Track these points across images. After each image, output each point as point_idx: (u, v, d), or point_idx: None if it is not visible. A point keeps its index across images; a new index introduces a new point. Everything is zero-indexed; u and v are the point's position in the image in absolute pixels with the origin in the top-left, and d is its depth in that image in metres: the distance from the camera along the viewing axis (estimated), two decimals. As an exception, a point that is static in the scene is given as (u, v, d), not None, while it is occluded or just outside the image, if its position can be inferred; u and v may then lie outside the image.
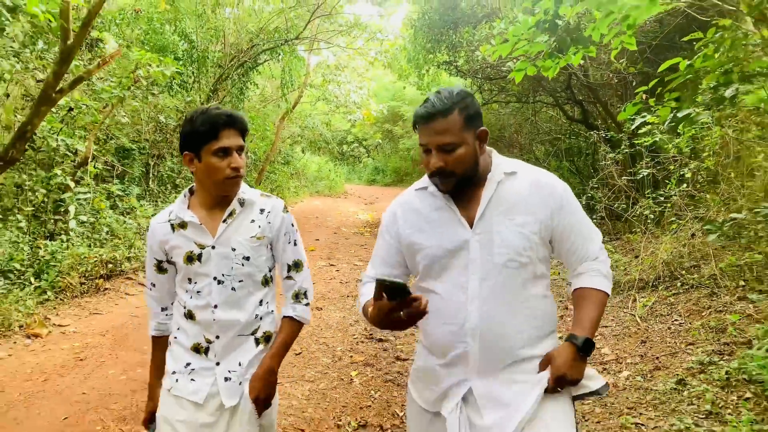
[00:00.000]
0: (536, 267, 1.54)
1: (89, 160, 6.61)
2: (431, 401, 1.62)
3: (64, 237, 5.53)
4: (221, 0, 11.83)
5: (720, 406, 3.24)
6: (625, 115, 4.16)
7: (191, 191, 1.82)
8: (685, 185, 6.29)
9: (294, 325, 1.83)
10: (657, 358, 4.20)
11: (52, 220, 5.91)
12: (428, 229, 1.60)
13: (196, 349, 1.73)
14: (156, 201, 8.40)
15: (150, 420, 1.82)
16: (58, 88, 5.59)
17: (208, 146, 1.65)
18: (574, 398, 1.56)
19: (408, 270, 1.70)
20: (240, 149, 1.70)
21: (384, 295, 1.33)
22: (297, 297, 1.84)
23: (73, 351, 3.99)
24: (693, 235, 5.98)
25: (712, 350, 3.97)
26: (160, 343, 1.85)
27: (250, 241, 1.74)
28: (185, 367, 1.73)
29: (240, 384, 1.73)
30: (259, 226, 1.77)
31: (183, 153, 1.71)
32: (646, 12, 3.47)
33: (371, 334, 4.70)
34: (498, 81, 11.37)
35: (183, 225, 1.73)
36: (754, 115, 5.43)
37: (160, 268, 1.80)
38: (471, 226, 1.55)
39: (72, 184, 5.84)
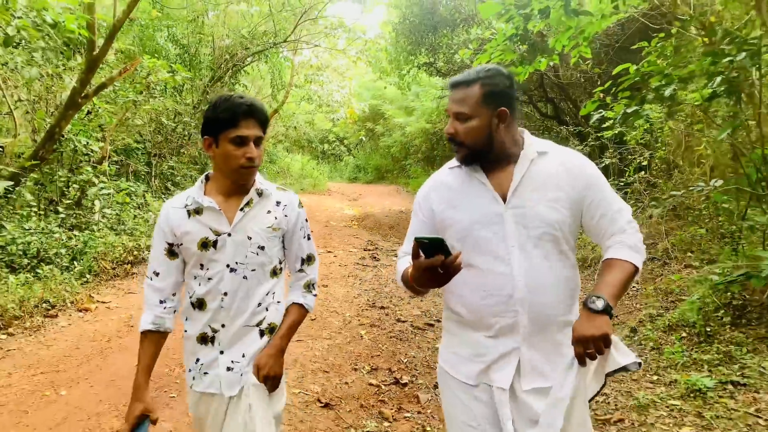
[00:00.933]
0: (568, 240, 1.60)
1: (106, 158, 7.21)
2: (475, 374, 1.64)
3: (94, 227, 6.14)
4: (209, 6, 12.40)
5: (661, 343, 4.03)
6: (585, 111, 4.94)
7: (207, 177, 1.83)
8: (643, 173, 7.14)
9: (302, 312, 1.87)
10: (616, 316, 5.00)
11: (75, 213, 6.51)
12: (460, 204, 1.64)
13: (203, 338, 1.75)
14: (160, 196, 8.98)
15: (139, 423, 1.67)
16: (83, 94, 6.20)
17: (226, 133, 1.67)
18: (607, 375, 1.56)
19: None
20: (258, 140, 1.71)
21: (422, 253, 1.36)
22: (308, 287, 1.90)
23: (122, 320, 4.64)
24: (651, 216, 6.83)
25: (660, 306, 4.78)
26: (153, 340, 1.76)
27: (266, 231, 1.77)
28: (196, 364, 1.76)
29: (241, 375, 1.74)
30: (275, 218, 1.80)
31: (203, 137, 1.73)
32: (598, 26, 4.25)
33: (374, 303, 5.42)
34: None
35: (199, 211, 1.75)
36: (699, 110, 6.27)
37: (171, 252, 1.78)
38: (504, 201, 1.60)
39: (96, 181, 6.45)
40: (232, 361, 1.74)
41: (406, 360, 4.13)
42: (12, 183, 5.95)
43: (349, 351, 4.23)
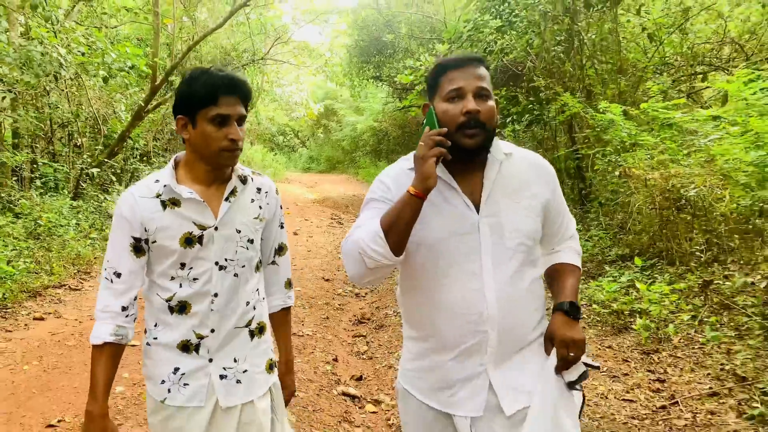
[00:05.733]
0: (536, 249, 1.54)
1: (150, 152, 10.26)
2: (444, 399, 1.51)
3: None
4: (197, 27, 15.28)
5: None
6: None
7: (177, 163, 1.61)
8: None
9: (290, 314, 1.83)
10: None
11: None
12: (430, 209, 1.45)
13: (185, 347, 1.56)
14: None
15: None
16: (146, 110, 9.23)
17: (204, 111, 1.47)
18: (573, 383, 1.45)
19: None
20: (241, 119, 1.52)
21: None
22: (290, 284, 1.81)
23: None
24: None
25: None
26: (112, 353, 1.53)
27: (253, 223, 1.64)
28: (174, 374, 1.56)
29: (238, 382, 1.60)
30: (260, 207, 1.67)
31: (176, 117, 1.52)
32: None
33: (343, 244, 8.81)
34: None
35: (176, 202, 1.54)
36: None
37: (137, 249, 1.54)
38: (476, 209, 1.46)
39: (147, 168, 9.50)
40: (225, 368, 1.59)
41: (365, 267, 7.52)
42: (98, 169, 8.94)
43: (334, 264, 7.59)
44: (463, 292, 1.45)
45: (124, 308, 1.55)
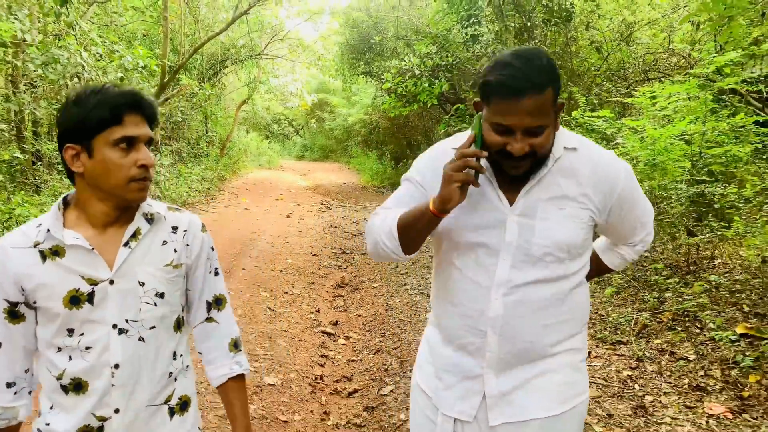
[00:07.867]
0: (575, 261, 1.39)
1: (158, 143, 11.41)
2: (438, 392, 1.48)
3: (162, 182, 10.38)
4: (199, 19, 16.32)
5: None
6: (441, 128, 9.63)
7: (65, 201, 1.31)
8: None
9: (243, 382, 1.45)
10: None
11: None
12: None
13: None
14: (174, 163, 13.14)
15: None
16: (156, 104, 10.38)
17: (105, 134, 1.20)
18: None
19: None
20: (149, 142, 1.26)
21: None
22: (236, 346, 1.46)
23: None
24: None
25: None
26: None
27: (164, 271, 1.32)
28: None
29: None
30: (175, 250, 1.35)
31: (64, 146, 1.23)
32: (438, 89, 8.88)
33: (330, 224, 9.97)
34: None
35: (58, 251, 1.24)
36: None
37: (13, 315, 1.25)
38: (511, 204, 1.36)
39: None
40: None
41: (346, 246, 8.72)
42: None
43: (321, 243, 8.80)
44: (470, 287, 1.40)
45: (10, 384, 1.28)
